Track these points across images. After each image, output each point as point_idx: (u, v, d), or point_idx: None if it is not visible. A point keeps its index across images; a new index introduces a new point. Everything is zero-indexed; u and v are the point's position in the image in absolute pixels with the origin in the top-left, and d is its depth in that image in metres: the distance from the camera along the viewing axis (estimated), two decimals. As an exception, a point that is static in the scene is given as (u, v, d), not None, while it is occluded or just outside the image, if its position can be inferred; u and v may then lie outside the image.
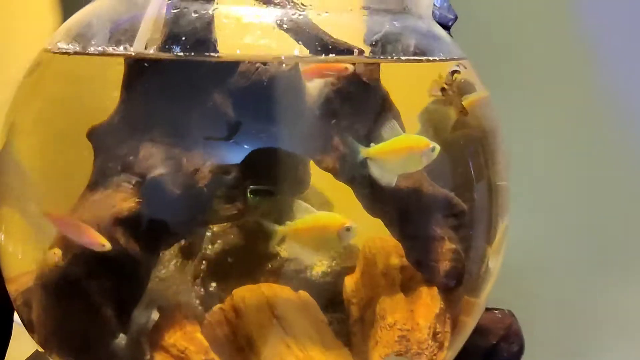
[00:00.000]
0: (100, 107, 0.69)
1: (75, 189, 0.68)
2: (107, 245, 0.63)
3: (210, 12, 0.66)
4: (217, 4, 0.67)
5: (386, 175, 0.67)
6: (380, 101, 0.71)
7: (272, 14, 0.67)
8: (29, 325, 0.70)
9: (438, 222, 0.72)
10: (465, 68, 0.75)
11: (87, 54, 0.69)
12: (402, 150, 0.67)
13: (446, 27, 0.85)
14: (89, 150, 0.68)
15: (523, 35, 1.11)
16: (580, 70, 1.11)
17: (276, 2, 0.67)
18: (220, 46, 0.67)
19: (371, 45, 0.71)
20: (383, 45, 0.71)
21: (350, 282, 0.77)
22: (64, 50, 0.71)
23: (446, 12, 0.85)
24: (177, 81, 0.66)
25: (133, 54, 0.66)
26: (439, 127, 0.74)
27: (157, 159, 0.65)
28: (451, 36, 0.81)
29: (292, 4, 0.68)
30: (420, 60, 0.74)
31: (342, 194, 0.71)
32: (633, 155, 1.10)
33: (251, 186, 0.70)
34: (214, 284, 0.79)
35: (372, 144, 0.66)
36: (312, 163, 0.71)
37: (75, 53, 0.70)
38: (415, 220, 0.73)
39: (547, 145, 1.14)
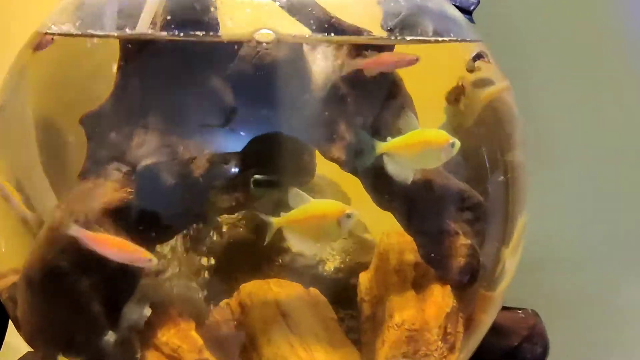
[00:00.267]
0: (94, 92, 0.67)
1: (67, 179, 0.66)
2: (154, 260, 0.60)
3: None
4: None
5: (402, 171, 0.65)
6: (394, 89, 0.68)
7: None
8: (14, 321, 0.68)
9: (452, 215, 0.70)
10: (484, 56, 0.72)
11: (82, 35, 0.68)
12: (419, 145, 0.65)
13: (468, 12, 0.81)
14: (82, 137, 0.65)
15: (545, 19, 1.08)
16: (609, 53, 1.08)
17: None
18: (221, 29, 0.64)
19: (388, 31, 0.68)
20: (401, 30, 0.68)
21: (364, 279, 0.75)
22: (57, 32, 0.69)
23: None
24: (174, 64, 0.64)
25: (128, 34, 0.64)
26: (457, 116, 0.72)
27: (151, 147, 0.62)
28: (473, 22, 0.79)
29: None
30: (437, 42, 0.71)
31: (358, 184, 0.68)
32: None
33: (255, 176, 0.68)
34: (216, 280, 0.77)
35: (388, 138, 0.64)
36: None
37: (69, 35, 0.68)
38: (427, 213, 0.70)
39: (572, 134, 1.10)
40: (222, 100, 0.63)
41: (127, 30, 0.64)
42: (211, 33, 0.64)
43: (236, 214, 0.78)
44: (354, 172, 0.67)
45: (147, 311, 0.65)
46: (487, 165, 0.70)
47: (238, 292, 0.71)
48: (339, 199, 0.69)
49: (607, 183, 1.10)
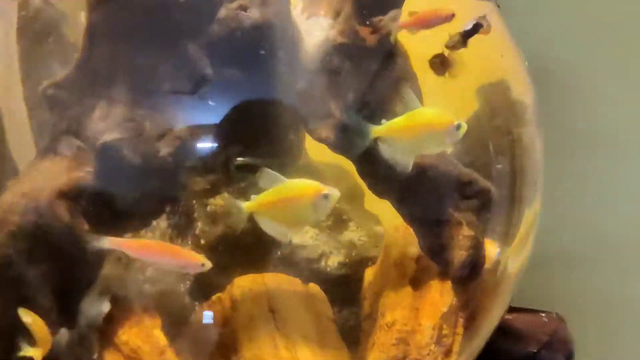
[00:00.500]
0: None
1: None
2: (208, 264, 0.56)
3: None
4: None
5: (401, 158, 0.60)
6: (394, 61, 0.63)
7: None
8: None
9: (454, 204, 0.66)
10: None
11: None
12: (419, 128, 0.60)
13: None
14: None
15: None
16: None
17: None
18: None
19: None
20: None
21: (369, 275, 0.73)
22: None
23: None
24: (145, 26, 0.59)
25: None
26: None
27: (114, 121, 0.58)
28: (498, 5, 0.74)
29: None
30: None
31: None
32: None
33: (237, 159, 0.64)
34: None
35: (383, 121, 0.59)
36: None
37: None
38: (426, 201, 0.66)
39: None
40: (197, 68, 0.58)
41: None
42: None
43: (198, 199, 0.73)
44: (346, 154, 0.62)
45: (106, 306, 0.61)
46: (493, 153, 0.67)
47: (231, 286, 0.67)
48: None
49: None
